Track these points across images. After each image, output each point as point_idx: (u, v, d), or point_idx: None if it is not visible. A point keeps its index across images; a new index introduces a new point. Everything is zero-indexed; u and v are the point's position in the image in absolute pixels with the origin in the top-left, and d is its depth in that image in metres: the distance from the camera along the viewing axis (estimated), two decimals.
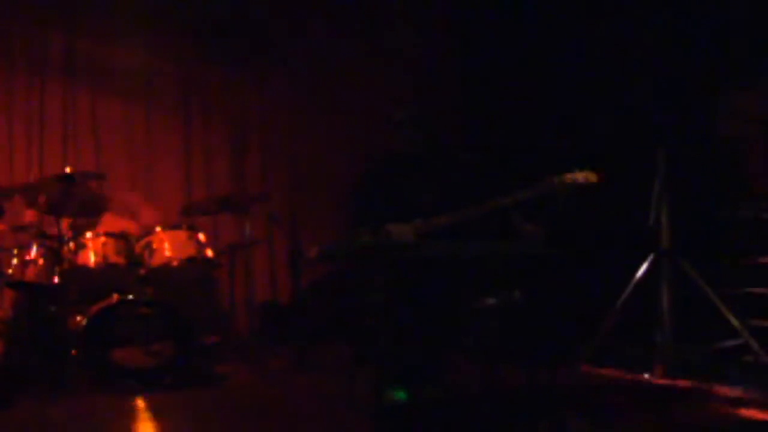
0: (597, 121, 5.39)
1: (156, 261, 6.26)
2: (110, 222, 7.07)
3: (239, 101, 8.56)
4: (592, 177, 4.95)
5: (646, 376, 5.75)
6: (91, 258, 6.13)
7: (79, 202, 6.16)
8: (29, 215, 6.60)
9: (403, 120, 5.26)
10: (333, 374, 6.31)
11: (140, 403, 5.44)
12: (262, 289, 8.14)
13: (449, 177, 5.31)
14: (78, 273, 6.14)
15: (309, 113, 8.59)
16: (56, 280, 6.09)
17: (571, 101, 6.77)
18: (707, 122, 5.97)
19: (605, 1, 6.57)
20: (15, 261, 6.22)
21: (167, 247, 6.29)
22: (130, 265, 6.22)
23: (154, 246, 6.29)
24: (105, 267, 6.14)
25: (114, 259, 6.17)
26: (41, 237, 6.31)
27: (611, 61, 5.36)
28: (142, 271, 6.23)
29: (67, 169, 5.94)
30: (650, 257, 5.35)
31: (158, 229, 6.36)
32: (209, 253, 6.46)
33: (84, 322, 5.95)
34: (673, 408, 4.88)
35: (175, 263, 6.28)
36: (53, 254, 6.15)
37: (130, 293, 6.13)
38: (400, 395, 4.68)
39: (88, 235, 6.24)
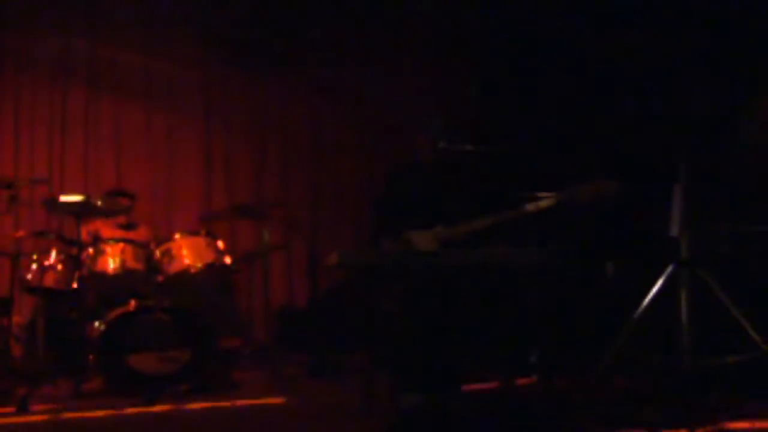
0: (619, 129, 5.37)
1: (174, 267, 6.26)
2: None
3: (260, 109, 8.56)
4: (612, 187, 4.94)
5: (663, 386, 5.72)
6: (110, 264, 6.14)
7: None
8: None
9: (427, 127, 5.27)
10: (350, 380, 6.30)
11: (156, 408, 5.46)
12: (280, 295, 8.13)
13: (471, 185, 5.31)
14: (96, 279, 6.16)
15: (330, 120, 8.59)
16: (75, 285, 6.11)
17: (594, 110, 6.76)
18: (730, 130, 5.93)
19: (626, 9, 6.55)
20: (34, 266, 6.23)
21: (186, 253, 6.30)
22: (149, 271, 6.23)
23: (173, 252, 6.29)
24: (123, 273, 6.16)
25: (132, 265, 6.18)
26: (61, 242, 6.33)
27: (634, 70, 5.34)
28: (160, 278, 6.24)
29: None
30: (670, 268, 5.31)
31: (177, 235, 6.38)
32: (228, 259, 6.47)
33: (102, 327, 5.97)
34: (690, 419, 4.84)
35: (193, 270, 6.28)
36: (72, 260, 6.16)
37: (149, 299, 6.14)
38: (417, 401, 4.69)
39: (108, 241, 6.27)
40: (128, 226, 7.13)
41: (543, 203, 5.01)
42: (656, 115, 5.28)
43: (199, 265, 6.31)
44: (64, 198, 6.08)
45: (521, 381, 5.47)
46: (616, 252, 6.53)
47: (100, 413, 5.31)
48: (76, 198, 5.99)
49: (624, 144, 5.36)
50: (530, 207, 5.02)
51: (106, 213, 6.74)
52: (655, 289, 5.28)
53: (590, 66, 6.82)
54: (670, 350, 5.63)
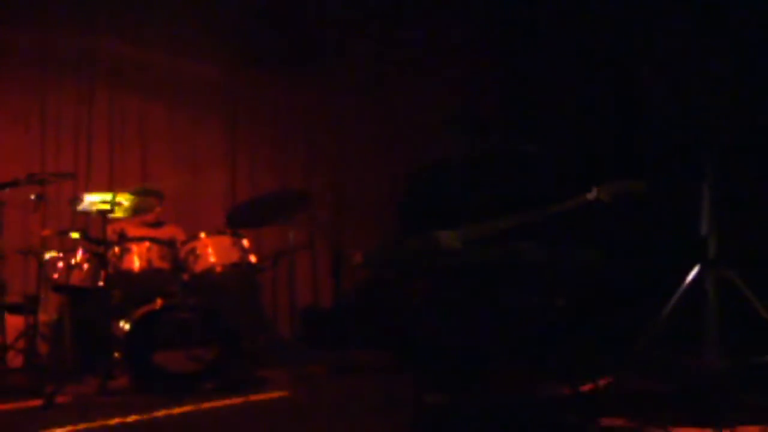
0: (644, 127, 5.34)
1: (200, 266, 6.29)
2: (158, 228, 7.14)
3: (284, 106, 8.57)
4: (639, 185, 4.92)
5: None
6: (136, 263, 6.17)
7: None
8: None
9: (452, 123, 5.27)
10: (373, 378, 6.30)
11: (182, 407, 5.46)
12: (305, 294, 8.14)
13: (498, 183, 5.30)
14: (122, 277, 6.19)
15: (355, 118, 8.59)
16: (101, 284, 6.14)
17: (618, 106, 6.73)
18: (755, 125, 5.89)
19: (647, 8, 6.52)
20: (61, 265, 6.26)
21: (211, 252, 6.32)
22: (175, 270, 6.25)
23: (198, 251, 6.31)
24: (149, 272, 6.19)
25: (158, 264, 6.21)
26: (87, 241, 6.36)
27: (658, 66, 5.31)
28: (186, 277, 6.26)
29: None
30: (696, 267, 5.28)
31: (203, 234, 6.39)
32: (253, 258, 6.48)
33: (128, 326, 5.99)
34: (714, 421, 4.81)
35: (218, 269, 6.30)
36: (98, 258, 6.19)
37: (174, 298, 6.16)
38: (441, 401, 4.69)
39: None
40: (154, 225, 7.15)
41: (569, 202, 5.00)
42: (682, 112, 5.25)
43: (225, 264, 6.33)
44: (89, 198, 6.13)
45: (545, 382, 5.46)
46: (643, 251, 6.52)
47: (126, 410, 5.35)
48: (102, 198, 6.04)
49: (651, 142, 5.33)
50: (556, 206, 5.01)
51: (133, 212, 6.79)
52: (681, 290, 5.25)
53: (615, 65, 6.79)
54: (696, 351, 5.61)
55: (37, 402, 5.41)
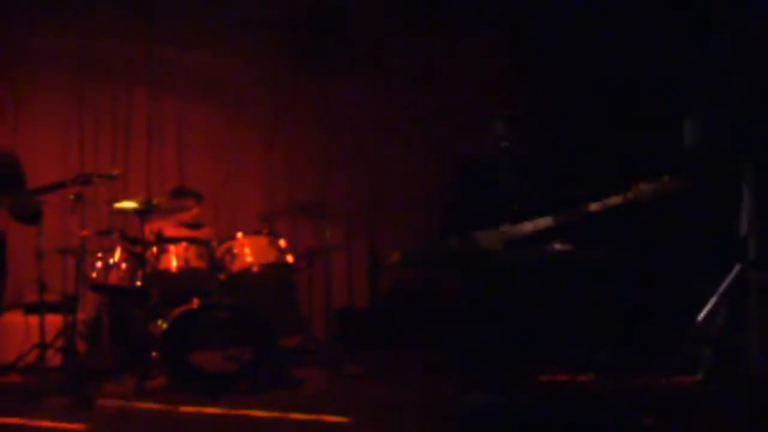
0: (684, 125, 5.29)
1: (237, 266, 6.30)
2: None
3: (323, 106, 8.58)
4: (680, 185, 4.88)
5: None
6: (173, 262, 6.19)
7: None
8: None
9: (491, 127, 5.27)
10: (410, 378, 6.29)
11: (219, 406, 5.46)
12: (341, 294, 8.14)
13: (537, 182, 5.28)
14: (160, 277, 6.21)
15: (393, 118, 8.58)
16: (139, 283, 6.17)
17: (659, 106, 6.67)
18: None
19: (688, 11, 6.47)
20: (99, 264, 6.30)
21: (248, 252, 6.33)
22: (212, 270, 6.27)
23: (235, 251, 6.33)
24: (186, 271, 6.21)
25: (195, 263, 6.23)
26: (125, 241, 6.40)
27: (699, 66, 5.26)
28: (222, 276, 6.28)
29: None
30: (736, 268, 5.22)
31: (240, 234, 6.41)
32: (289, 258, 6.48)
33: (165, 325, 6.01)
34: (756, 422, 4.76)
35: (255, 269, 6.32)
36: (136, 258, 6.23)
37: (211, 298, 6.17)
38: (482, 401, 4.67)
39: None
40: (192, 226, 7.17)
41: (609, 201, 4.97)
42: (721, 112, 5.19)
43: (261, 263, 6.34)
44: (123, 204, 6.19)
45: (585, 379, 5.43)
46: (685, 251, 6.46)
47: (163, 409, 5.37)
48: (135, 203, 6.11)
49: (691, 143, 5.27)
50: (596, 205, 4.99)
51: (169, 212, 6.83)
52: (721, 290, 5.20)
53: (653, 64, 6.74)
54: (737, 353, 5.55)
55: None
